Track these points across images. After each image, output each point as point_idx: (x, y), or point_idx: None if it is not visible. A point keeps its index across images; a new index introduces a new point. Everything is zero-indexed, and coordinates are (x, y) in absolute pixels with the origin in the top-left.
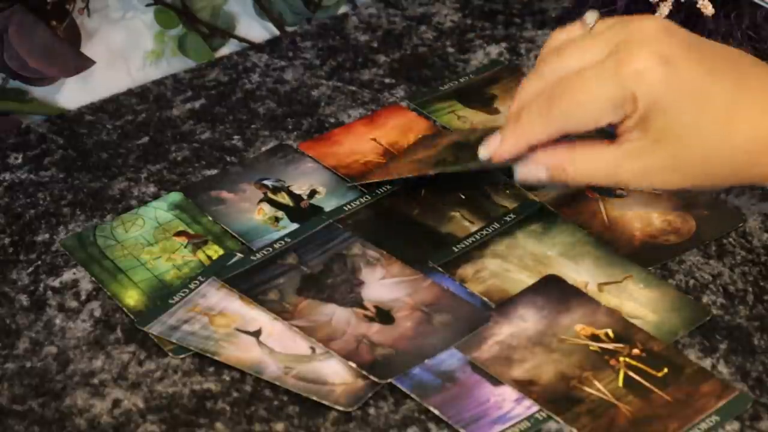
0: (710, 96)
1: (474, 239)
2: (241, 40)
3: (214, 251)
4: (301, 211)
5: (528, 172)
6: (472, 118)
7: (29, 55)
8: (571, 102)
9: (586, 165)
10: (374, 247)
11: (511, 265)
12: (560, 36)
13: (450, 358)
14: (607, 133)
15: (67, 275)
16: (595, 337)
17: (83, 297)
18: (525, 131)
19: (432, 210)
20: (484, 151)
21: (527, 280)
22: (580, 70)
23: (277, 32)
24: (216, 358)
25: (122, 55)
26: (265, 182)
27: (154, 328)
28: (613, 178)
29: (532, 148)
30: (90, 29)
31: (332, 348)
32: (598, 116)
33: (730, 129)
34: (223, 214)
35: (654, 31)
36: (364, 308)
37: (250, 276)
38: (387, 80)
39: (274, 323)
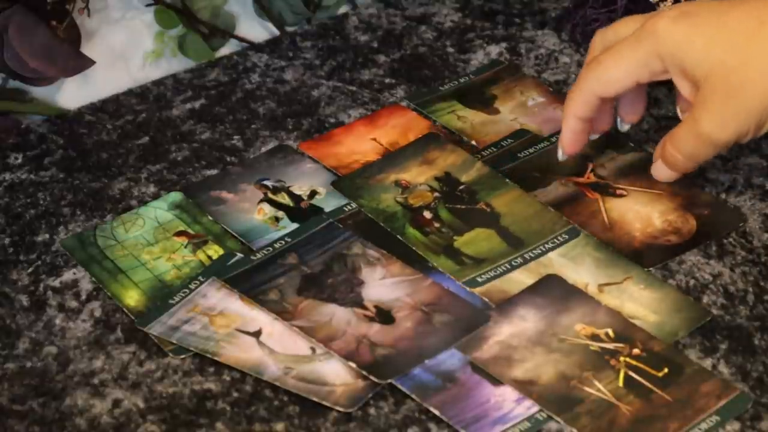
0: (727, 19)
1: None
2: (241, 40)
3: (215, 251)
4: (301, 211)
5: (658, 173)
6: (472, 118)
7: (29, 55)
8: (599, 66)
9: (681, 141)
10: (374, 246)
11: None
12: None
13: (450, 358)
14: None
15: (67, 275)
16: (595, 337)
17: (83, 297)
18: (567, 105)
19: None
20: (559, 153)
21: (527, 280)
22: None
23: (277, 32)
24: (216, 358)
25: (122, 55)
26: (266, 182)
27: (155, 329)
28: (708, 143)
29: (583, 121)
30: (90, 29)
31: (332, 348)
32: (625, 74)
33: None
34: (224, 214)
35: (675, 6)
36: (365, 308)
37: (251, 276)
38: (387, 80)
39: (275, 323)
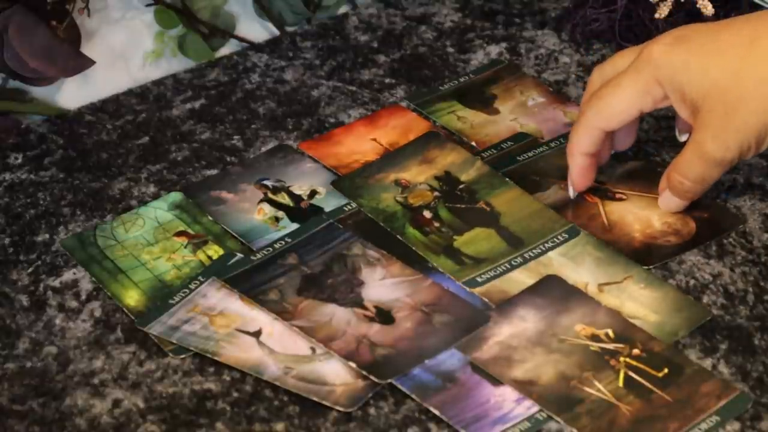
0: (719, 40)
1: None
2: (241, 40)
3: (215, 251)
4: (301, 211)
5: (665, 204)
6: (472, 118)
7: (29, 55)
8: (600, 101)
9: (687, 166)
10: (374, 247)
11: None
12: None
13: (450, 359)
14: None
15: (67, 275)
16: (595, 338)
17: (83, 297)
18: (571, 142)
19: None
20: (570, 192)
21: (527, 279)
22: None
23: (277, 32)
24: (216, 358)
25: (122, 55)
26: (265, 182)
27: (154, 329)
28: (713, 163)
29: (590, 157)
30: (90, 29)
31: (332, 348)
32: (628, 105)
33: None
34: (224, 214)
35: (668, 33)
36: (364, 308)
37: (251, 276)
38: (387, 80)
39: (275, 323)
